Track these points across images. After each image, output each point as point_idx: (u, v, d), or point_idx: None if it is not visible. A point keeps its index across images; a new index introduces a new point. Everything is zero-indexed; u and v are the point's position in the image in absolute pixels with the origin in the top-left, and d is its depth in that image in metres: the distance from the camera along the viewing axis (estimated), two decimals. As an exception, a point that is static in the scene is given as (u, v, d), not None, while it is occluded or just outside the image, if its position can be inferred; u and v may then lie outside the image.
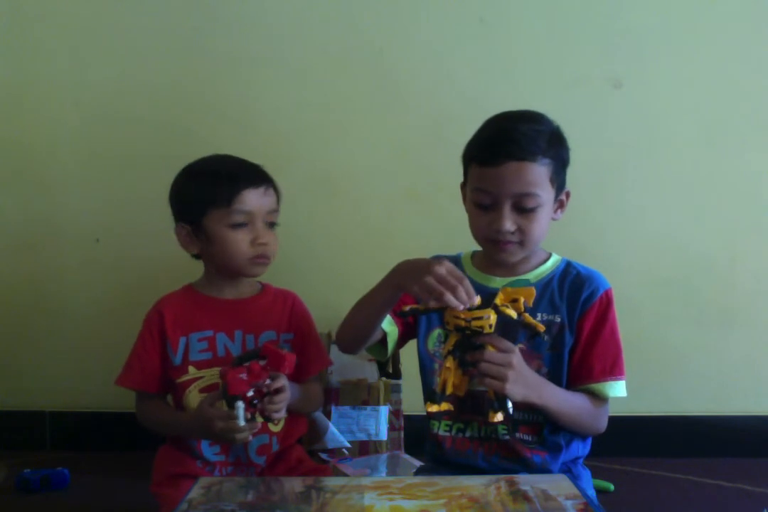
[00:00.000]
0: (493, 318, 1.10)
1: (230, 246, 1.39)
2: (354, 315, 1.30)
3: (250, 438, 1.27)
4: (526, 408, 1.21)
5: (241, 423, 1.23)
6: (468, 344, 1.13)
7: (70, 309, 1.99)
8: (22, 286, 1.99)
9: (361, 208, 1.98)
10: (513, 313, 1.12)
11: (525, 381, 1.15)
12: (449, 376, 1.14)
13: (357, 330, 1.30)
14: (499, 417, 1.12)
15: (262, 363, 1.26)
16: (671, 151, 1.95)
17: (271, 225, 1.44)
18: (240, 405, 1.23)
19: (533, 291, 1.13)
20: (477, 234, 1.27)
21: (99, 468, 1.81)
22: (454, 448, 1.27)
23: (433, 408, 1.16)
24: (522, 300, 1.12)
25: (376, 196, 1.97)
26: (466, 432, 1.26)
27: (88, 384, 1.93)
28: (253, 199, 1.39)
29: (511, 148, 1.19)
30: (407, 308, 1.17)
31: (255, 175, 1.42)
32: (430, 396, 1.23)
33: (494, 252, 1.26)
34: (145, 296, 1.49)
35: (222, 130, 1.93)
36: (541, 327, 1.13)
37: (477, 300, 1.11)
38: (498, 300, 1.12)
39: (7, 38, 1.96)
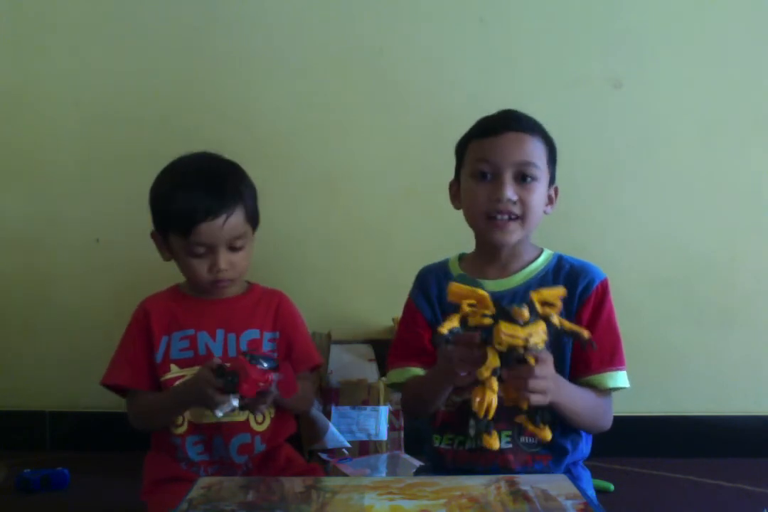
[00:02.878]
0: (545, 330, 1.01)
1: (189, 270, 1.39)
2: (419, 395, 1.26)
3: (219, 414, 1.25)
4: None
5: (219, 414, 1.24)
6: (510, 360, 1.02)
7: (70, 309, 1.99)
8: (23, 286, 1.99)
9: (360, 207, 1.98)
10: (558, 321, 1.03)
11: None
12: (494, 398, 1.00)
13: (428, 405, 1.25)
14: (548, 433, 1.05)
15: (266, 366, 1.25)
16: (671, 151, 1.95)
17: (236, 249, 1.38)
18: (234, 402, 1.23)
19: (564, 291, 1.05)
20: (476, 211, 1.25)
21: (99, 468, 1.81)
22: (455, 460, 1.25)
23: (496, 445, 1.03)
24: (559, 305, 1.03)
25: (375, 195, 1.97)
26: (465, 445, 1.24)
27: (88, 384, 1.90)
28: (210, 232, 1.34)
29: (512, 121, 1.27)
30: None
31: (213, 205, 1.34)
32: (476, 425, 1.06)
33: (493, 232, 1.24)
34: (146, 296, 1.48)
35: (222, 130, 1.93)
36: (586, 333, 1.04)
37: (526, 312, 1.00)
38: (539, 308, 1.01)
39: (7, 38, 1.96)
